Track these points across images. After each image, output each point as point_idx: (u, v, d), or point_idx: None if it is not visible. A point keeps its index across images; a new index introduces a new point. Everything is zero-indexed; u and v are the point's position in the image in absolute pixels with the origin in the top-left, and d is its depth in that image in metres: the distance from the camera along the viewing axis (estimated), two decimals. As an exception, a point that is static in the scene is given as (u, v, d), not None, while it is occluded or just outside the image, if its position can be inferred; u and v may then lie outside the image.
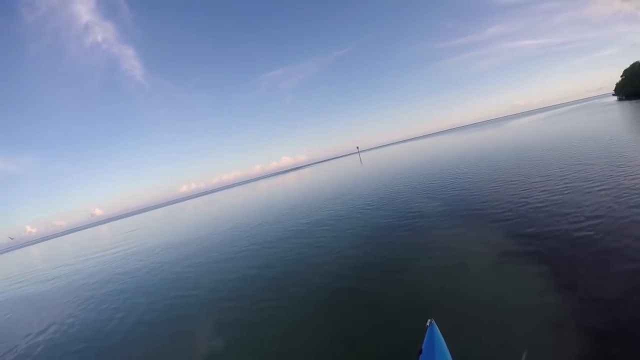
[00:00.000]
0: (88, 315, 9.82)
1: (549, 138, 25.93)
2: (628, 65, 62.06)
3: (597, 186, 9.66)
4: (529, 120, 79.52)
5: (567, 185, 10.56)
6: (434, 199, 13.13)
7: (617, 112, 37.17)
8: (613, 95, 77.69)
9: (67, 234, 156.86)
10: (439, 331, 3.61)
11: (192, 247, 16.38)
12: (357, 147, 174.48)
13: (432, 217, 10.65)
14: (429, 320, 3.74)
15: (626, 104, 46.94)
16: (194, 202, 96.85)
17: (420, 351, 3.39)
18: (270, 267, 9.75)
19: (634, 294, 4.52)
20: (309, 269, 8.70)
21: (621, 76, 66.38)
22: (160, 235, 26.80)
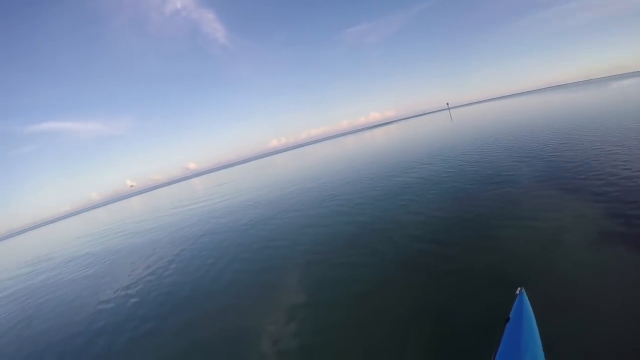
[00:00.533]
0: (182, 261, 10.55)
1: None
2: None
3: None
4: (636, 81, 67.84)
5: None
6: (527, 164, 11.99)
7: None
8: None
9: (163, 186, 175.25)
10: (528, 301, 3.50)
11: (281, 200, 16.82)
12: (447, 104, 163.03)
13: (524, 183, 9.73)
14: (518, 289, 3.68)
15: None
16: (283, 156, 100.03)
17: (508, 319, 3.32)
18: (354, 223, 9.80)
19: None
20: (393, 229, 8.56)
21: None
22: (251, 188, 27.55)
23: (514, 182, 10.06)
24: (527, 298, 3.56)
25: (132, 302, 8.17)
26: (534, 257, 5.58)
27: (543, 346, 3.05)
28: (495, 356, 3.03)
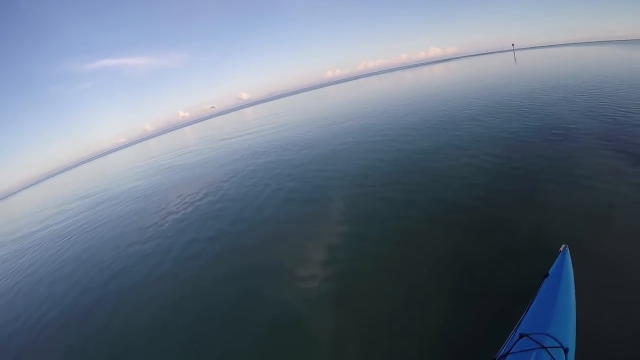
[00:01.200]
0: (235, 184, 11.03)
1: None
2: None
3: None
4: None
5: None
6: (593, 120, 10.75)
7: None
8: None
9: (214, 117, 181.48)
10: (570, 259, 3.43)
11: (332, 131, 16.82)
12: (513, 44, 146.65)
13: (586, 140, 8.86)
14: (562, 246, 3.57)
15: None
16: (337, 88, 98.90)
17: (547, 275, 3.28)
18: (405, 158, 9.66)
19: None
20: (443, 167, 8.39)
21: None
22: (302, 120, 27.46)
23: (574, 137, 9.15)
24: (569, 256, 3.47)
25: (181, 226, 8.71)
26: (584, 218, 5.26)
27: (577, 305, 3.00)
28: (528, 309, 3.01)
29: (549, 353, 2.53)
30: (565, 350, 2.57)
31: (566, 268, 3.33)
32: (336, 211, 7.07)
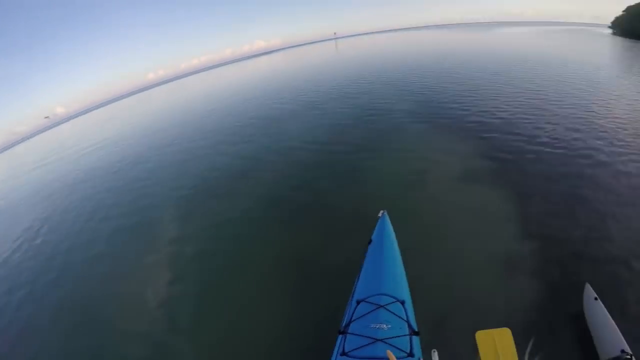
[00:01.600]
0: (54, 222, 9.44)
1: (541, 52, 25.36)
2: (633, 3, 57.29)
3: (568, 107, 9.94)
4: (520, 31, 76.22)
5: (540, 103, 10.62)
6: (404, 98, 12.82)
7: (611, 45, 35.28)
8: (609, 27, 74.13)
9: (28, 139, 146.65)
10: (389, 222, 3.69)
11: (153, 141, 16.07)
12: (335, 33, 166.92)
13: (396, 116, 10.44)
14: (381, 212, 3.85)
15: (619, 40, 44.59)
16: (160, 90, 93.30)
17: (370, 241, 3.47)
18: (228, 155, 10.14)
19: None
20: (266, 162, 8.91)
21: (623, 11, 62.23)
22: (119, 133, 24.63)
23: (386, 114, 10.71)
24: (388, 220, 3.71)
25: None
26: (400, 185, 6.29)
27: (404, 261, 3.26)
28: (359, 275, 3.15)
29: (387, 309, 2.69)
30: (402, 302, 2.76)
31: (387, 231, 3.55)
32: (167, 230, 6.92)
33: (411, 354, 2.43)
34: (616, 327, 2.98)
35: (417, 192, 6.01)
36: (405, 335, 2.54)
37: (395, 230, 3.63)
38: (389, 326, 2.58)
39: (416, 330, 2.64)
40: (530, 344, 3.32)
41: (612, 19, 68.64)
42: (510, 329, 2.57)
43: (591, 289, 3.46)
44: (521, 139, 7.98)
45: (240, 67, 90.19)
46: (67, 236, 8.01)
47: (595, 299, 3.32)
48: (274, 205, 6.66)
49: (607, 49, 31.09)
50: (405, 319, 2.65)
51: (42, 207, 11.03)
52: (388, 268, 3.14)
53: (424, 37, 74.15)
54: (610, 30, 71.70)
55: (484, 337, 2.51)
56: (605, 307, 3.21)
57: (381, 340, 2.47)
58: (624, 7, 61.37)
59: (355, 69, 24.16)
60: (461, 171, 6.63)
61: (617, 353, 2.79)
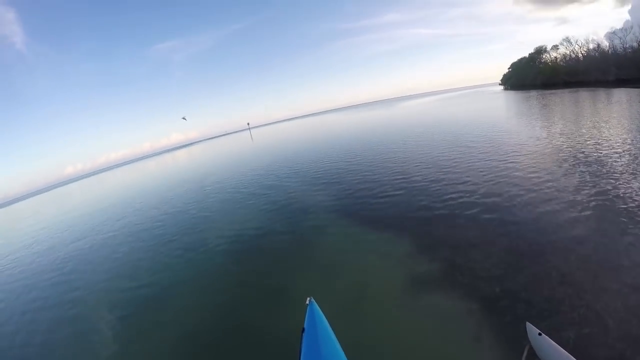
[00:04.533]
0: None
1: (434, 120, 30.49)
2: (514, 60, 73.72)
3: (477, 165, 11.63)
4: (419, 102, 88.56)
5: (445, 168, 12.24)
6: (315, 184, 13.69)
7: (503, 100, 43.91)
8: (499, 84, 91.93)
9: None
10: (319, 308, 3.57)
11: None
12: (248, 124, 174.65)
13: (312, 205, 11.04)
14: (308, 299, 3.70)
15: (511, 94, 55.63)
16: (79, 185, 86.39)
17: (303, 330, 3.31)
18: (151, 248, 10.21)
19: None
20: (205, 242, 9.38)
21: (508, 68, 78.92)
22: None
23: (300, 202, 11.47)
24: (317, 306, 3.62)
25: None
26: (321, 271, 6.52)
27: (341, 344, 3.19)
28: None
29: None
30: None
31: (318, 318, 3.41)
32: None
33: None
34: (568, 353, 3.17)
35: (341, 276, 6.17)
36: None
37: (325, 314, 3.54)
38: None
39: None
40: (526, 350, 3.64)
41: (500, 77, 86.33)
42: None
43: (532, 326, 3.61)
44: (429, 199, 9.00)
45: (159, 160, 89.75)
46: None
47: (540, 334, 3.47)
48: (206, 292, 6.73)
49: (504, 103, 38.15)
50: None
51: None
52: (326, 356, 3.03)
53: (331, 120, 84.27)
54: (501, 87, 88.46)
55: None
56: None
57: None
58: (508, 65, 77.81)
59: (272, 159, 25.34)
60: (383, 245, 7.02)
61: None
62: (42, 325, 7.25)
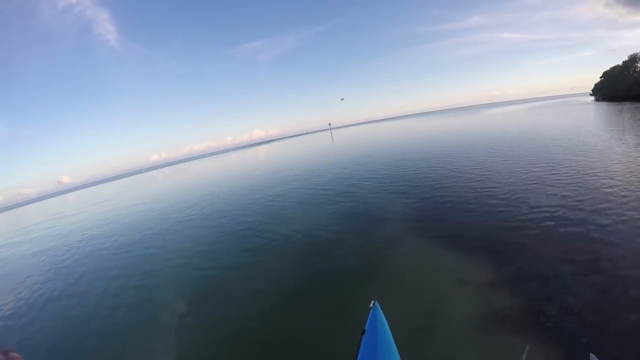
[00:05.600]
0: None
1: (521, 130, 27.49)
2: (607, 68, 64.60)
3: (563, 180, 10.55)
4: (504, 110, 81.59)
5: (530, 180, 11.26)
6: (393, 191, 13.30)
7: (594, 112, 38.28)
8: (590, 95, 79.69)
9: (34, 202, 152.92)
10: (382, 313, 3.63)
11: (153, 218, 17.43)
12: (329, 124, 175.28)
13: (391, 208, 10.93)
14: (372, 302, 3.76)
15: (603, 105, 47.95)
16: (163, 172, 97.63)
17: (364, 332, 3.39)
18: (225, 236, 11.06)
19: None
20: (261, 252, 9.25)
21: (600, 77, 68.74)
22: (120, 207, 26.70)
23: (383, 206, 11.33)
24: (380, 310, 3.70)
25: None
26: (387, 275, 6.58)
27: (399, 351, 3.25)
28: None
29: None
30: None
31: (380, 322, 3.48)
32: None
33: None
34: None
35: (409, 283, 6.17)
36: None
37: (388, 320, 3.60)
38: None
39: None
40: (526, 351, 3.46)
41: (591, 86, 75.11)
42: None
43: (596, 358, 3.30)
44: (516, 219, 8.16)
45: (240, 155, 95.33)
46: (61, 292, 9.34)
47: None
48: (273, 288, 6.94)
49: (591, 115, 33.60)
50: None
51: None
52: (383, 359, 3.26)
53: (413, 125, 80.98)
54: (592, 97, 77.67)
55: None
56: None
57: None
58: (596, 73, 67.32)
59: (351, 160, 25.50)
60: (460, 267, 6.54)
61: None
62: (112, 290, 8.56)
